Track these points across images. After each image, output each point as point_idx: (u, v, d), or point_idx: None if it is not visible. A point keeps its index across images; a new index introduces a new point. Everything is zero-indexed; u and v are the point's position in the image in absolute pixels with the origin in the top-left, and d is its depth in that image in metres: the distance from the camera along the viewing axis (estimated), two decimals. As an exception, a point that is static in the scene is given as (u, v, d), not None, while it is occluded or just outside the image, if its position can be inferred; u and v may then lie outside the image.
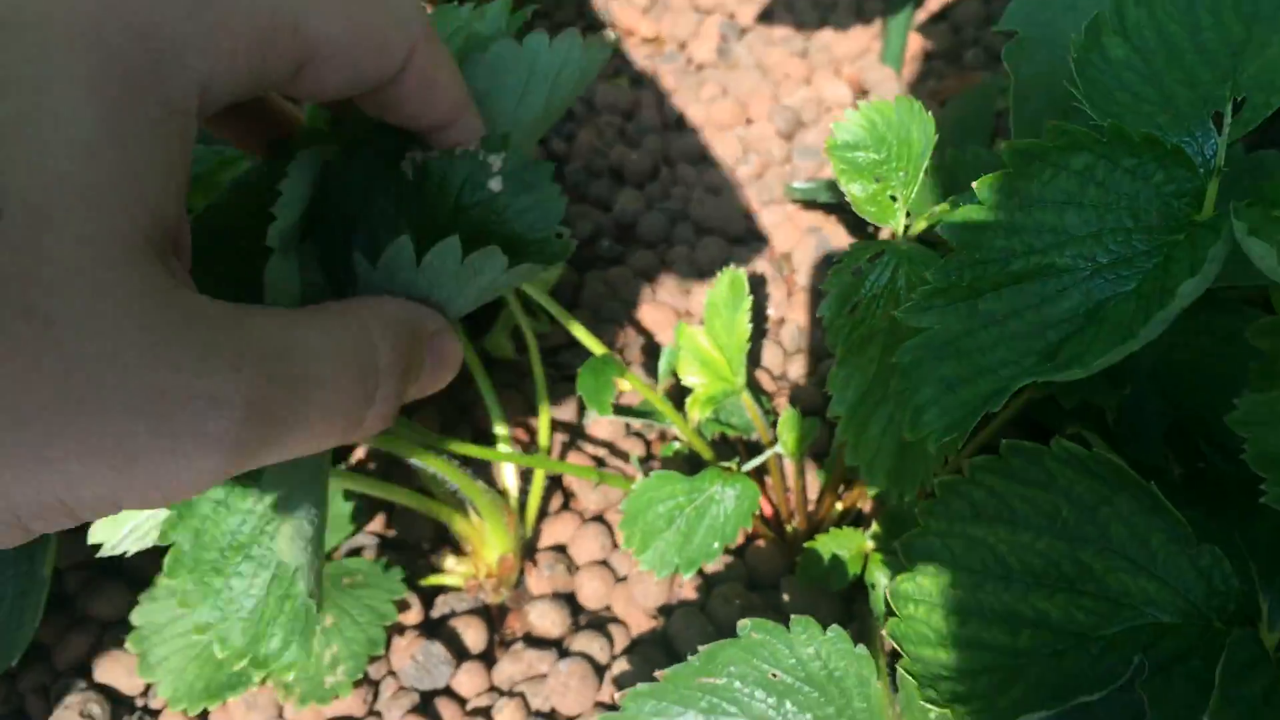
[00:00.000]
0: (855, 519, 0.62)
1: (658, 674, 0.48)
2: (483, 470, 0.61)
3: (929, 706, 0.47)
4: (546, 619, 0.59)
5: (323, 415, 0.34)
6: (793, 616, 0.47)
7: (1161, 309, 0.34)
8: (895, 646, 0.44)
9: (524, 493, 0.62)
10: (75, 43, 0.30)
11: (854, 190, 0.50)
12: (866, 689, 0.47)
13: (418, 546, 0.62)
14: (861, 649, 0.47)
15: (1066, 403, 0.51)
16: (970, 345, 0.39)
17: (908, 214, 0.49)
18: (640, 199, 0.79)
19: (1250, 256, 0.34)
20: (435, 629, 0.58)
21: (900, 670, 0.48)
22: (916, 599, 0.45)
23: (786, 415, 0.56)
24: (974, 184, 0.39)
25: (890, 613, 0.45)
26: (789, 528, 0.62)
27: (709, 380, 0.58)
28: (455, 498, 0.59)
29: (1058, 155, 0.39)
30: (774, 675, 0.48)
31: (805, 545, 0.58)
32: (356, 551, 0.61)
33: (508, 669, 0.57)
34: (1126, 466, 0.44)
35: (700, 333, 0.58)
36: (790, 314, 0.72)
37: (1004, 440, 0.45)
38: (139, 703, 0.56)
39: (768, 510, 0.63)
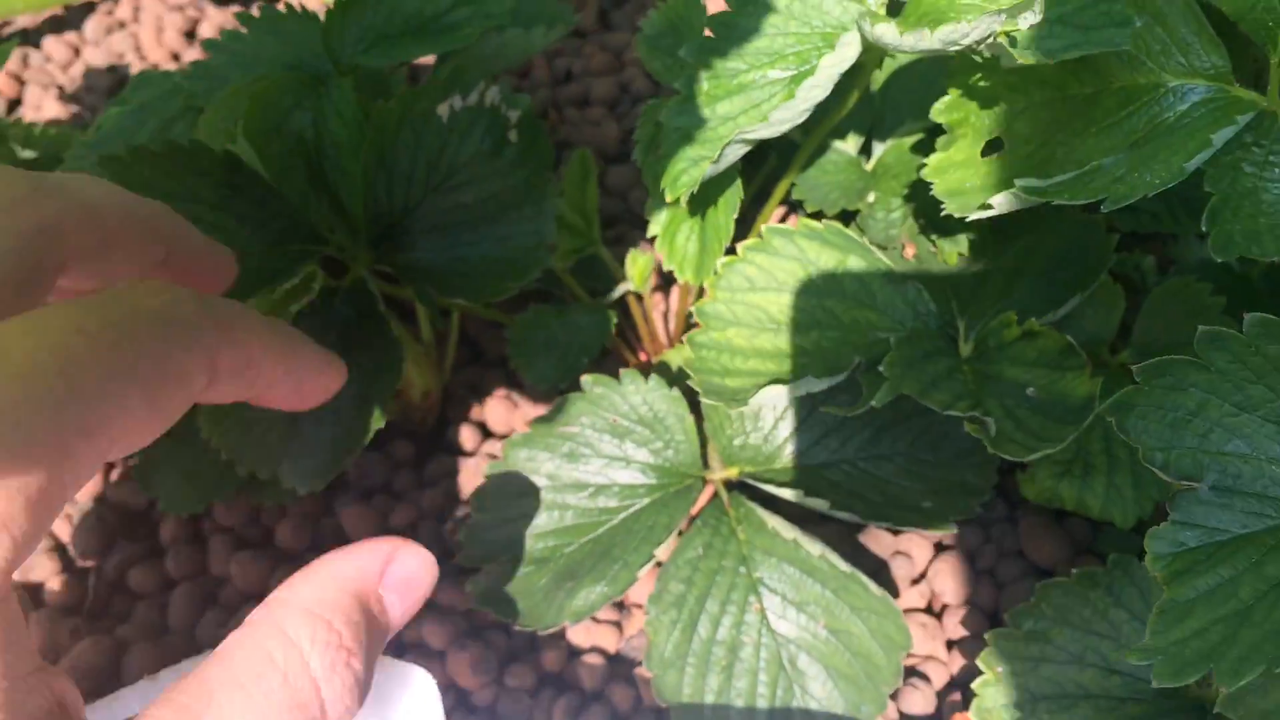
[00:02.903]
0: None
1: (522, 426, 0.64)
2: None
3: (732, 434, 0.63)
4: (462, 436, 0.74)
5: None
6: (622, 371, 0.64)
7: (812, 75, 0.50)
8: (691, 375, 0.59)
9: (442, 345, 0.78)
10: None
11: (656, 67, 0.67)
12: (683, 424, 0.63)
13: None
14: (675, 392, 0.63)
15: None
16: (710, 135, 0.56)
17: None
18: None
19: (884, 43, 0.50)
20: (372, 447, 0.74)
21: (704, 403, 0.64)
22: (708, 346, 0.61)
23: (631, 255, 0.72)
24: (705, 19, 0.56)
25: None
26: (646, 356, 0.78)
27: (569, 238, 0.74)
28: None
29: None
30: (615, 420, 0.64)
31: (656, 359, 0.74)
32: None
33: (431, 469, 0.73)
34: (851, 234, 0.61)
35: (560, 201, 0.74)
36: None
37: (764, 226, 0.62)
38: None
39: (630, 350, 0.79)
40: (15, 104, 1.02)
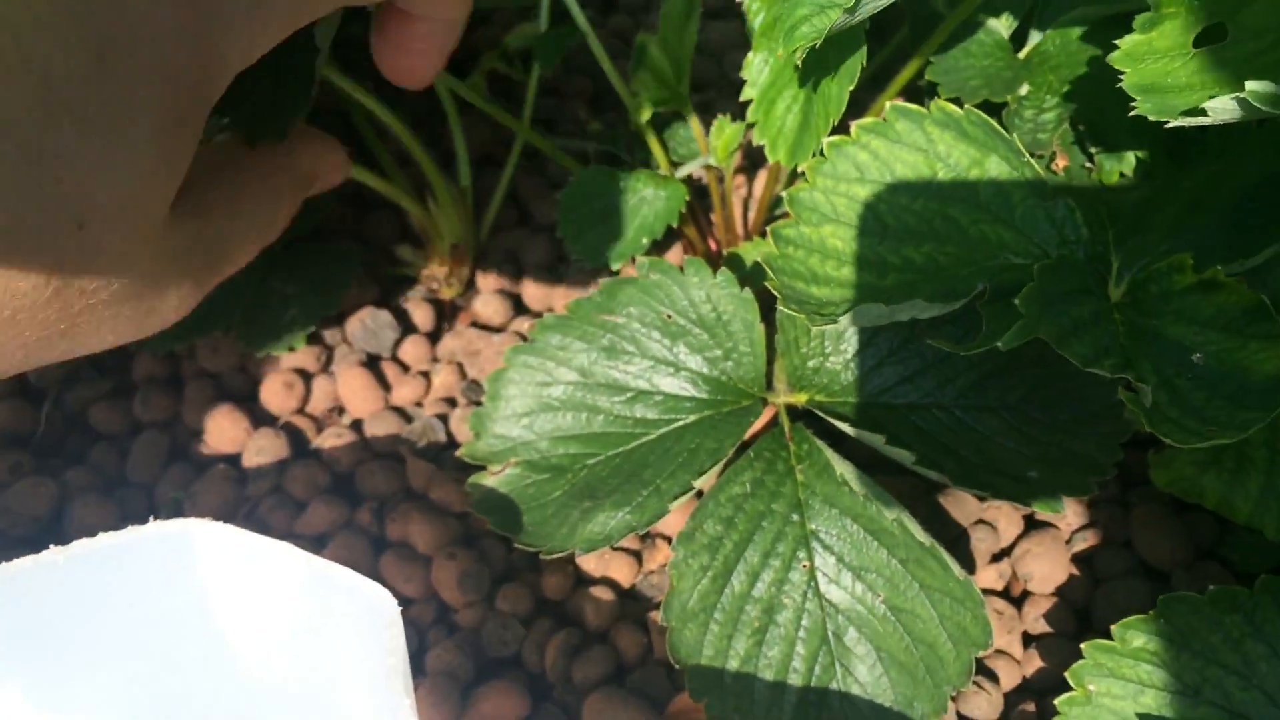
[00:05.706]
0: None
1: (562, 307, 0.53)
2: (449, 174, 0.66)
3: (807, 354, 0.52)
4: (490, 308, 0.64)
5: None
6: (686, 258, 0.52)
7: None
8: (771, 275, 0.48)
9: (482, 198, 0.67)
10: (151, 77, 0.35)
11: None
12: (751, 332, 0.52)
13: (385, 249, 0.67)
14: (747, 293, 0.52)
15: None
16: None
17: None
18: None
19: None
20: (386, 305, 0.64)
21: (780, 312, 0.53)
22: (797, 243, 0.49)
23: (718, 122, 0.60)
24: None
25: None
26: (717, 246, 0.67)
27: (653, 86, 0.62)
28: (416, 189, 0.64)
29: None
30: (669, 316, 0.53)
31: (728, 252, 0.63)
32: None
33: (449, 343, 0.62)
34: (999, 126, 0.48)
35: (652, 39, 0.62)
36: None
37: (889, 103, 0.50)
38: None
39: (700, 236, 0.67)
40: None
